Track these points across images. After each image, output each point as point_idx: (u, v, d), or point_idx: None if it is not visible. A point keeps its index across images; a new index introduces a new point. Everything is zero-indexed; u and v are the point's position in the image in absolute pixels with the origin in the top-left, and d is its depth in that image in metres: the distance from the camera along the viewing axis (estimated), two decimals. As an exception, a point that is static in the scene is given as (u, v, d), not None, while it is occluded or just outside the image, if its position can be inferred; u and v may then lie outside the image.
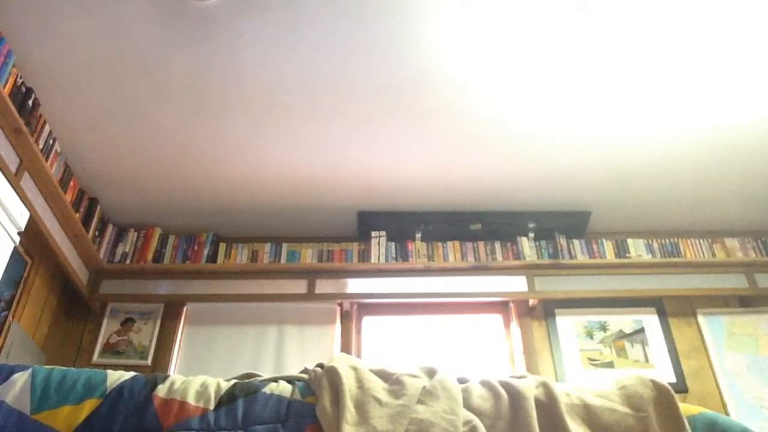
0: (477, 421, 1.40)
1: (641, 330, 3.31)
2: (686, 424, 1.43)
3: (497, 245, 3.51)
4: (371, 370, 1.59)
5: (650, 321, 3.34)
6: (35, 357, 2.97)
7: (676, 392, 1.56)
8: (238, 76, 2.69)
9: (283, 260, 3.46)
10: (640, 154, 3.16)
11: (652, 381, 1.55)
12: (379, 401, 1.44)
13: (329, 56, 2.61)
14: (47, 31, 2.48)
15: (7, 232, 2.70)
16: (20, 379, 1.50)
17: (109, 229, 3.50)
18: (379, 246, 3.48)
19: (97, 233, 3.37)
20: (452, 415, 1.39)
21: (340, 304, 3.37)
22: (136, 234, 3.54)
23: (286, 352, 3.22)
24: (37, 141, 2.72)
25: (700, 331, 3.31)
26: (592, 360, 3.22)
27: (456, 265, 3.44)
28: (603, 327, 3.33)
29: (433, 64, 2.65)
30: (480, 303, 3.48)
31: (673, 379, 3.11)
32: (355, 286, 3.42)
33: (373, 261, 3.44)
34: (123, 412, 1.46)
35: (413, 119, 2.94)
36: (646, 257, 3.47)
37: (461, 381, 1.58)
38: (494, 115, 2.91)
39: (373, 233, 3.52)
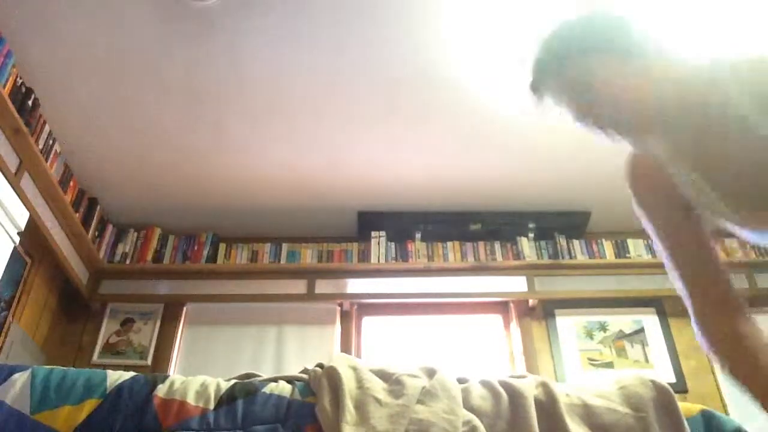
0: (477, 421, 1.40)
1: (641, 330, 3.31)
2: (686, 424, 1.43)
3: (497, 245, 3.51)
4: (371, 371, 1.59)
5: (650, 321, 3.34)
6: (35, 357, 2.97)
7: (676, 392, 1.56)
8: (238, 76, 2.69)
9: (283, 260, 3.46)
10: (640, 154, 3.16)
11: (652, 381, 1.55)
12: (378, 401, 1.44)
13: (329, 56, 2.61)
14: (47, 31, 2.48)
15: (7, 232, 2.70)
16: (20, 379, 1.50)
17: (109, 229, 3.50)
18: (379, 246, 3.48)
19: (97, 233, 3.37)
20: (452, 415, 1.39)
21: (340, 305, 3.37)
22: (136, 234, 3.54)
23: (286, 352, 3.22)
24: (37, 141, 2.72)
25: (700, 331, 3.30)
26: (592, 360, 3.22)
27: (456, 265, 3.44)
28: (603, 327, 3.33)
29: (433, 63, 2.65)
30: (480, 303, 3.47)
31: (673, 379, 3.10)
32: (355, 286, 3.42)
33: (373, 261, 3.43)
34: (123, 412, 1.46)
35: (413, 119, 2.94)
36: (646, 257, 3.46)
37: (461, 381, 1.58)
38: (494, 115, 2.91)
39: (373, 233, 3.52)
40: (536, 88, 1.14)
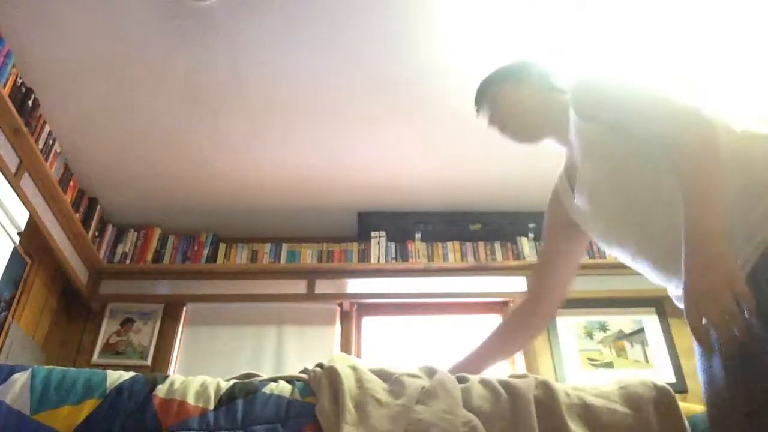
0: (476, 421, 1.39)
1: (641, 330, 3.31)
2: (687, 425, 1.43)
3: (497, 245, 3.51)
4: (371, 370, 1.59)
5: (650, 321, 3.33)
6: (35, 357, 2.97)
7: (676, 392, 1.55)
8: (238, 76, 2.69)
9: (282, 260, 3.46)
10: (640, 154, 3.15)
11: (653, 382, 1.54)
12: (378, 401, 1.44)
13: (329, 56, 2.61)
14: (47, 31, 2.48)
15: (7, 232, 2.70)
16: (20, 379, 1.50)
17: (109, 229, 3.50)
18: (379, 246, 3.48)
19: (96, 233, 3.37)
20: (452, 415, 1.39)
21: (340, 305, 3.37)
22: (135, 234, 3.54)
23: (285, 352, 3.22)
24: (36, 141, 2.72)
25: (700, 331, 3.30)
26: (592, 360, 3.22)
27: (456, 265, 3.44)
28: (603, 327, 3.33)
29: (433, 63, 2.65)
30: (480, 303, 3.47)
31: (673, 379, 3.10)
32: (355, 286, 3.42)
33: (372, 261, 3.43)
34: (123, 412, 1.46)
35: (413, 119, 2.94)
36: (646, 257, 3.46)
37: (461, 381, 1.58)
38: (494, 115, 2.90)
39: (373, 233, 3.52)
40: (478, 109, 1.68)
